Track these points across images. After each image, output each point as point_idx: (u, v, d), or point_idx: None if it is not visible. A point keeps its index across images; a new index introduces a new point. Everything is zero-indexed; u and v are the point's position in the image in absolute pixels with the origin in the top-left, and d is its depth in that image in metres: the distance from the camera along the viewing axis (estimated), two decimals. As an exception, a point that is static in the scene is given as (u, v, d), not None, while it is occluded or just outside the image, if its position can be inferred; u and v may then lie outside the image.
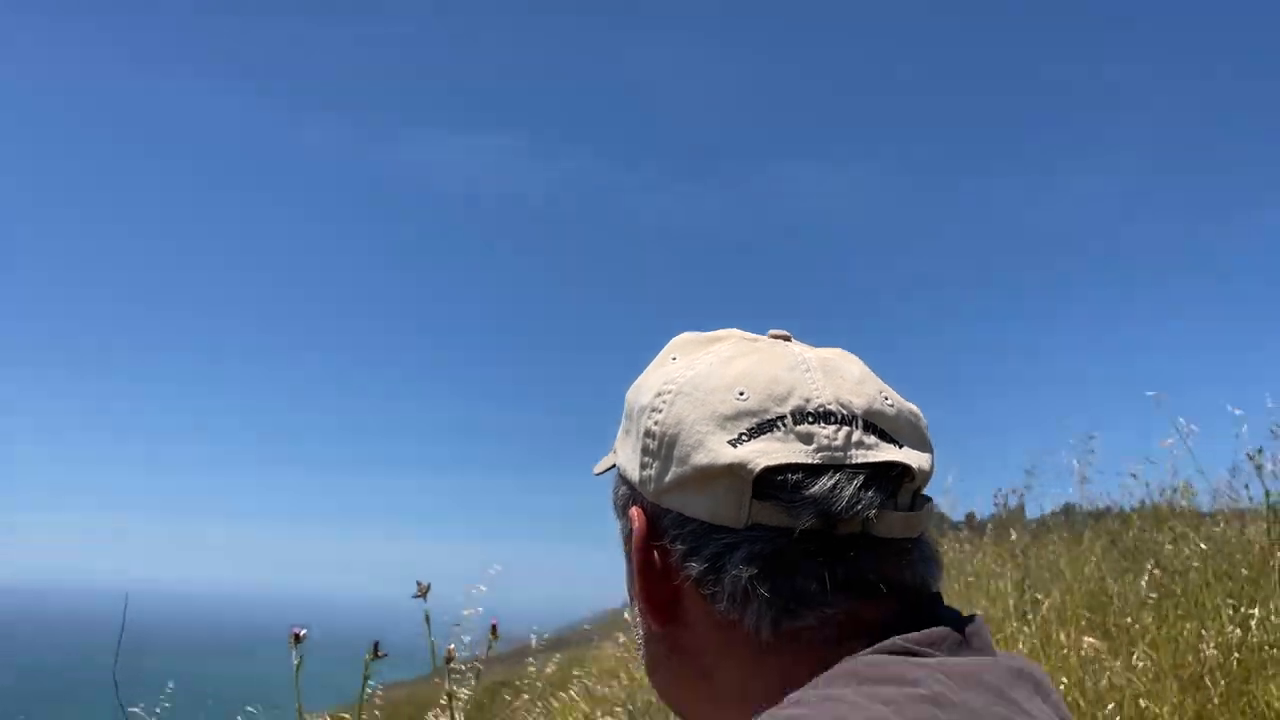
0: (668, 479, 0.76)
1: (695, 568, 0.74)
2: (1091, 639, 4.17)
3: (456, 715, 2.57)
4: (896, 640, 0.70)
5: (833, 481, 0.72)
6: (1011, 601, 5.10)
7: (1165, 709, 3.58)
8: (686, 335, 0.87)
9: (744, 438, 0.74)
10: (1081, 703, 3.72)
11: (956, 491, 7.33)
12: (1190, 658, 3.87)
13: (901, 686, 0.64)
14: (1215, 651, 3.77)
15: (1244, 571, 4.59)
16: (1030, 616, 4.81)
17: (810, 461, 0.72)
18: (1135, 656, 3.98)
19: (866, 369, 0.82)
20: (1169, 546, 5.36)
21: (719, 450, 0.74)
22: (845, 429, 0.74)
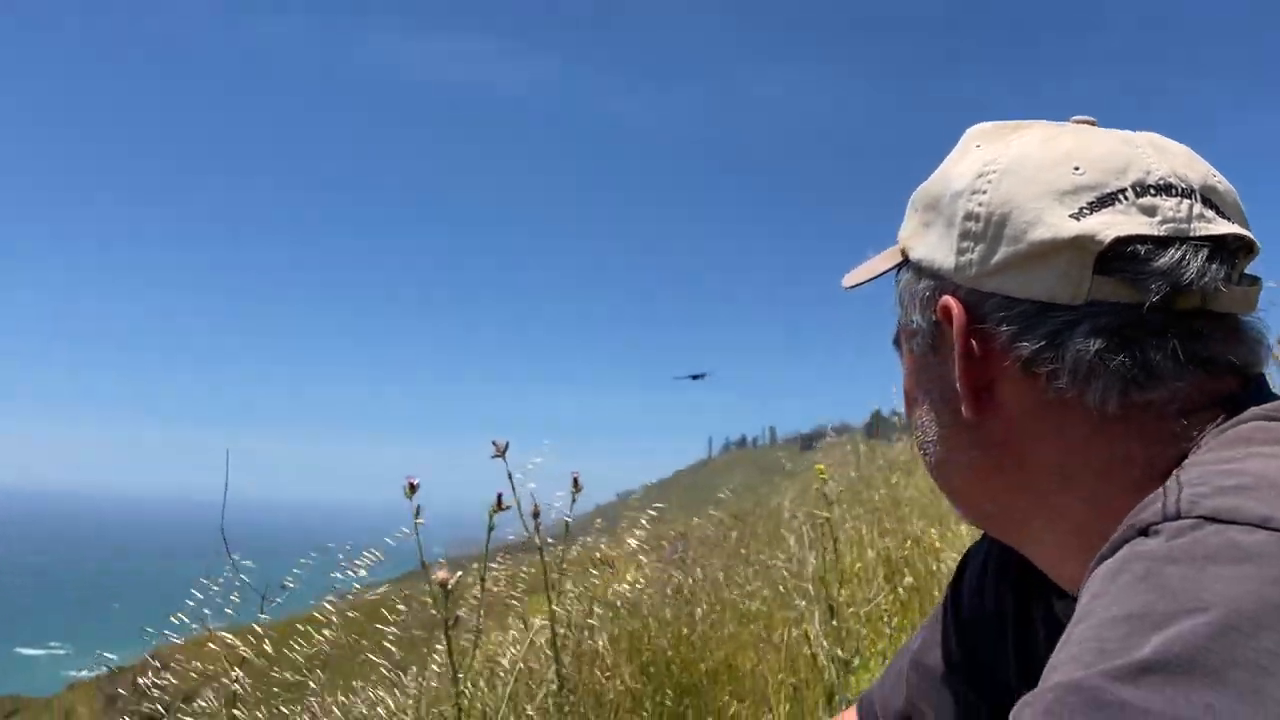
0: (995, 260, 0.75)
1: (1027, 348, 0.73)
2: None
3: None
4: (1256, 410, 0.70)
5: (1179, 254, 0.71)
6: None
7: None
8: (984, 125, 0.84)
9: (1085, 211, 0.72)
10: None
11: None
12: None
13: None
14: None
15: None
16: None
17: (1157, 234, 0.71)
18: None
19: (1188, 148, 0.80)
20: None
21: (1060, 224, 0.72)
22: (1186, 202, 0.73)
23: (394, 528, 2.74)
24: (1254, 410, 0.70)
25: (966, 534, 4.62)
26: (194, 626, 3.09)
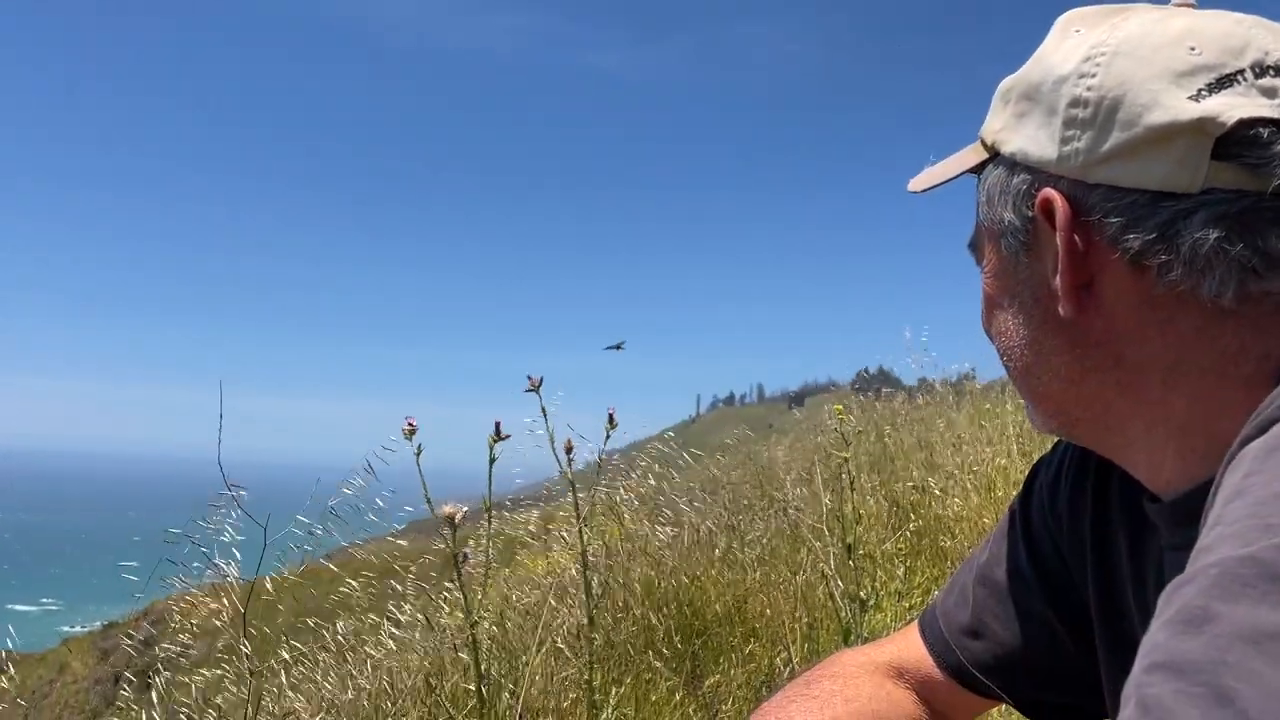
0: (1105, 148, 0.71)
1: (1138, 239, 0.70)
2: None
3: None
4: None
5: None
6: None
7: None
8: (1080, 10, 0.79)
9: (1204, 93, 0.68)
10: None
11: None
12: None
13: None
14: None
15: None
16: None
17: (1278, 116, 0.67)
18: None
19: None
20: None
21: (1179, 106, 0.68)
22: None
23: (393, 483, 2.71)
24: None
25: (971, 487, 4.65)
26: (191, 581, 3.05)
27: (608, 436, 2.40)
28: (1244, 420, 0.61)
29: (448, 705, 2.40)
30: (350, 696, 2.92)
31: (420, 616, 3.47)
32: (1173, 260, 0.69)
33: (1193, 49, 0.70)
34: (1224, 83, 0.69)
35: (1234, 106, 0.67)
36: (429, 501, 2.41)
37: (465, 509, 2.47)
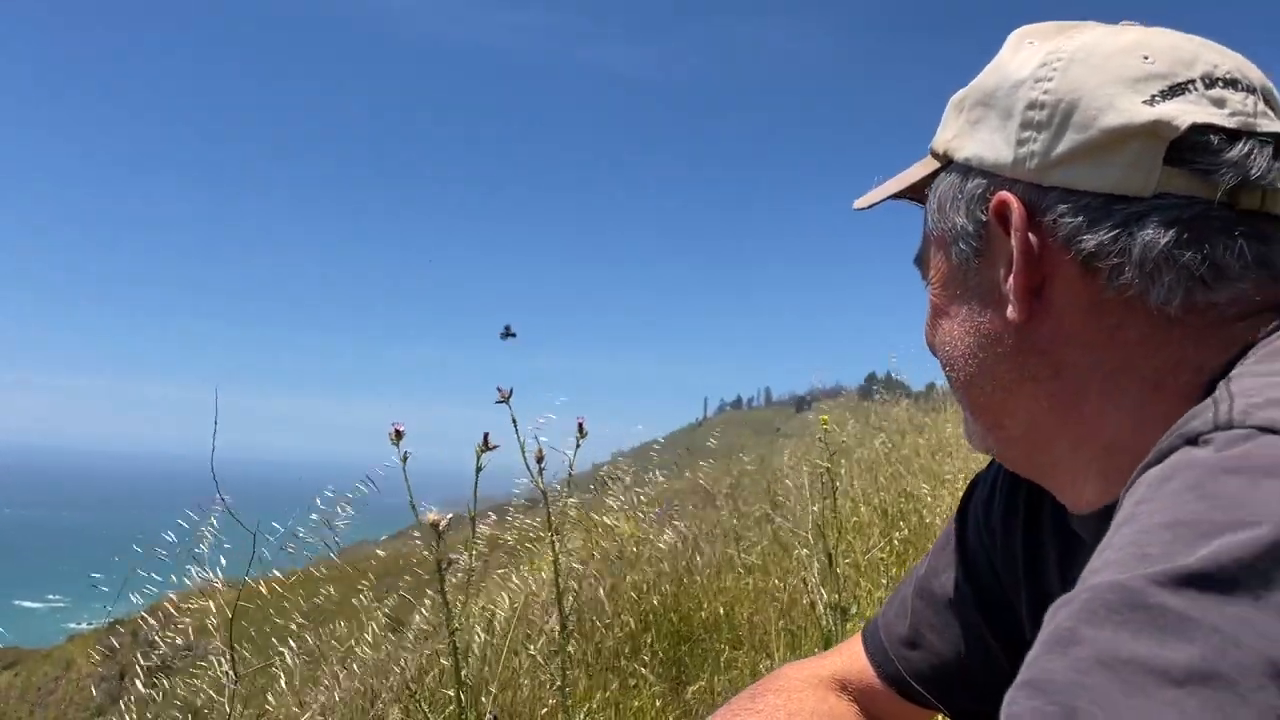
0: (1060, 150, 0.72)
1: (1091, 241, 0.70)
2: None
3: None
4: None
5: (1247, 148, 0.69)
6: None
7: None
8: (1032, 25, 0.81)
9: (1157, 99, 0.70)
10: None
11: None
12: None
13: None
14: None
15: None
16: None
17: (1229, 125, 0.69)
18: None
19: None
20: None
21: (1134, 110, 0.70)
22: (1251, 98, 0.72)
23: (382, 483, 2.72)
24: None
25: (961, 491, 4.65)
26: (187, 580, 3.09)
27: (578, 447, 2.41)
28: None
29: (425, 708, 2.43)
30: (338, 697, 2.95)
31: (424, 619, 3.51)
32: (1124, 263, 0.69)
33: (1146, 58, 0.72)
34: (1176, 90, 0.70)
35: (1186, 112, 0.69)
36: (414, 508, 2.43)
37: (450, 516, 2.49)
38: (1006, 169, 0.75)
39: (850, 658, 1.08)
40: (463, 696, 2.07)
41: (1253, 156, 0.68)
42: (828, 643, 2.82)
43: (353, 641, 3.45)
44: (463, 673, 2.16)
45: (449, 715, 2.34)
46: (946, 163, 0.81)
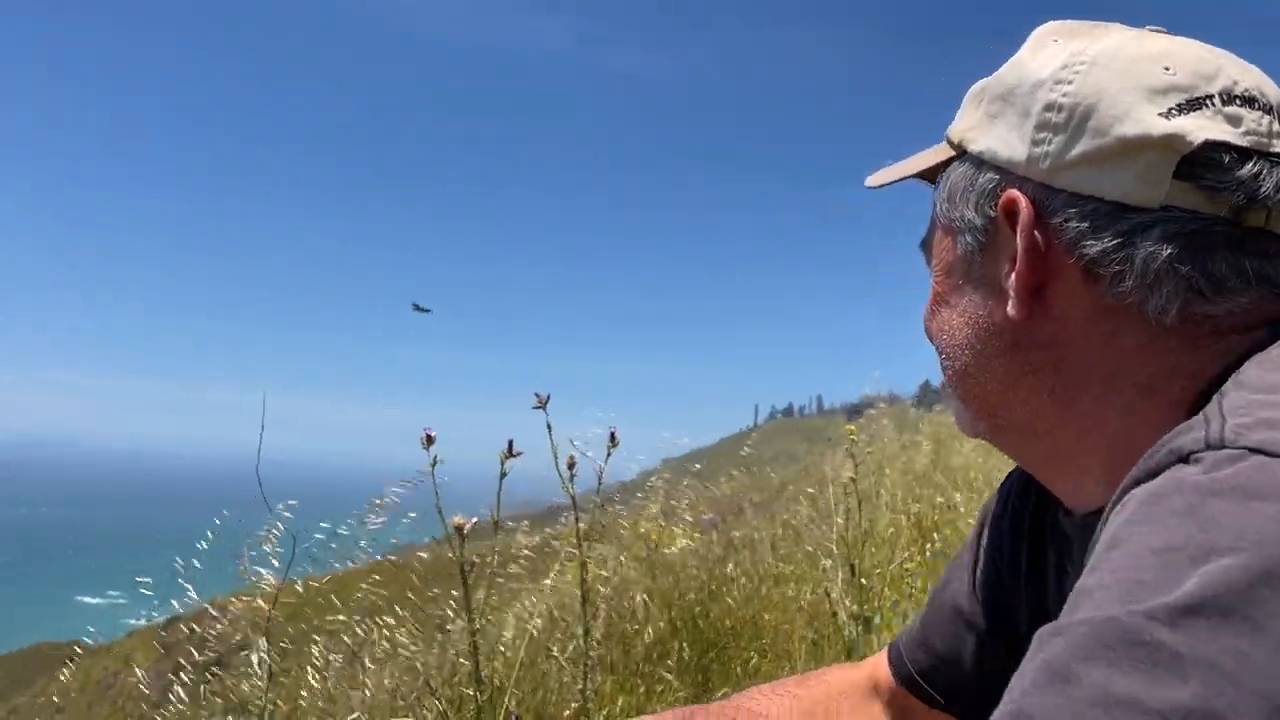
0: (1073, 153, 0.72)
1: (1095, 247, 0.71)
2: None
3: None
4: None
5: (1258, 168, 0.69)
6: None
7: None
8: (1057, 22, 0.81)
9: (1174, 112, 0.70)
10: None
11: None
12: None
13: None
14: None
15: None
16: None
17: (1240, 143, 0.70)
18: None
19: None
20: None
21: (1151, 121, 0.70)
22: (1267, 118, 0.72)
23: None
24: None
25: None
26: (251, 578, 3.18)
27: (609, 455, 2.44)
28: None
29: (441, 704, 2.49)
30: (368, 695, 3.04)
31: (455, 621, 3.57)
32: (1126, 271, 0.70)
33: (1168, 69, 0.72)
34: (1194, 104, 0.71)
35: (1201, 128, 0.69)
36: (440, 512, 2.50)
37: (475, 520, 2.55)
38: (1019, 167, 0.75)
39: (881, 662, 1.14)
40: (480, 695, 2.13)
41: (1262, 176, 0.69)
42: (849, 652, 2.84)
43: (386, 641, 3.53)
44: (484, 672, 2.22)
45: (469, 714, 2.40)
46: (961, 152, 0.81)
